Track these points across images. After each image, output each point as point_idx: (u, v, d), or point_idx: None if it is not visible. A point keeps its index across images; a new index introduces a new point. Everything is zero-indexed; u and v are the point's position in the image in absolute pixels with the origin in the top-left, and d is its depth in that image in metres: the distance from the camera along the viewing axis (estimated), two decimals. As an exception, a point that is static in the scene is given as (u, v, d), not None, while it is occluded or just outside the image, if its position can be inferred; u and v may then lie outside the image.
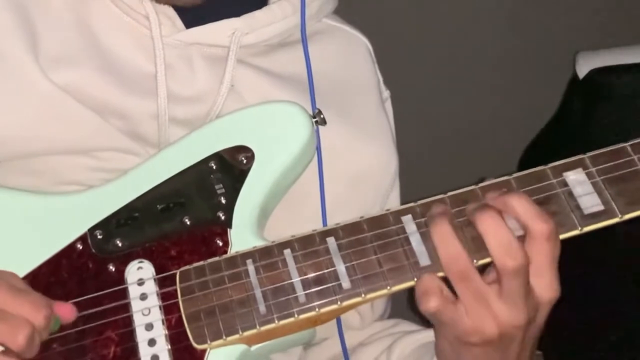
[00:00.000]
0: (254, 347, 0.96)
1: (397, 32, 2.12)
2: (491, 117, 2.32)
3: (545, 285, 0.90)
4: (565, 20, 2.27)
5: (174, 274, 0.97)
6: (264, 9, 1.12)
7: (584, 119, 1.81)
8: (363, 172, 1.17)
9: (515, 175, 0.95)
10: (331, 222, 1.12)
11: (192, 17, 1.10)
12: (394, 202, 1.23)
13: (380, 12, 2.10)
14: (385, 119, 1.22)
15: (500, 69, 2.29)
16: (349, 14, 1.29)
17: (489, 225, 0.88)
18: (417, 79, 2.20)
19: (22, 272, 0.98)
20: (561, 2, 2.27)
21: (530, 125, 2.01)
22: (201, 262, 0.97)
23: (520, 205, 0.88)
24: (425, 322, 1.00)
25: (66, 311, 0.94)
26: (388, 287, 0.92)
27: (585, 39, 2.10)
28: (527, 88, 2.30)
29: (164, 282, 0.97)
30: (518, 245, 0.87)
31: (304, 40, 1.12)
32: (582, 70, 1.79)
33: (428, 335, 1.12)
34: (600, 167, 0.94)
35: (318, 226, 1.09)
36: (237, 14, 1.11)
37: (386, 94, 1.26)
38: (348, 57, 1.21)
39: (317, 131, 1.06)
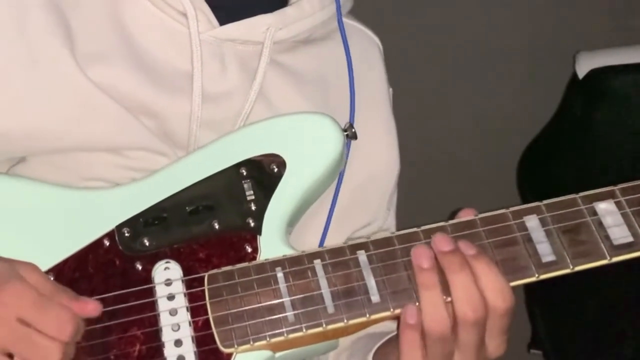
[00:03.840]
0: (278, 354, 0.96)
1: (397, 31, 2.12)
2: (491, 117, 2.33)
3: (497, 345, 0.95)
4: (565, 20, 2.28)
5: (202, 277, 0.97)
6: (294, 5, 1.14)
7: (584, 118, 1.82)
8: (372, 175, 1.19)
9: (545, 202, 0.97)
10: (341, 230, 1.15)
11: (225, 15, 1.11)
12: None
13: (379, 11, 2.10)
14: (393, 120, 1.24)
15: (500, 69, 2.31)
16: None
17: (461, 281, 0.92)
18: (417, 79, 2.21)
19: (48, 264, 0.98)
20: (561, 2, 2.28)
21: (530, 125, 2.03)
22: (230, 267, 0.97)
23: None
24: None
25: (91, 309, 0.93)
26: (417, 304, 0.94)
27: (585, 39, 2.11)
28: (527, 88, 2.32)
29: (191, 283, 0.97)
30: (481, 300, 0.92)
31: (346, 48, 1.15)
32: (582, 70, 1.81)
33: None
34: (630, 199, 0.96)
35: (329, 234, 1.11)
36: (267, 11, 1.12)
37: (390, 91, 1.28)
38: (363, 57, 1.23)
39: (349, 144, 1.08)
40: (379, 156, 1.20)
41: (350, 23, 1.24)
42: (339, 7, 1.15)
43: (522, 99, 2.32)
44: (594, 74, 1.81)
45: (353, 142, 1.13)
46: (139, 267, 0.99)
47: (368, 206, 1.20)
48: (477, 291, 0.91)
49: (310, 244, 1.11)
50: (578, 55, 1.86)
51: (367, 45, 1.25)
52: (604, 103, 1.81)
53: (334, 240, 1.09)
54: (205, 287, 0.96)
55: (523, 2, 2.29)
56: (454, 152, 2.38)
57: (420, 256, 0.93)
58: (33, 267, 0.92)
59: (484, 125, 2.34)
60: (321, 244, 1.14)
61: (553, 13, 2.29)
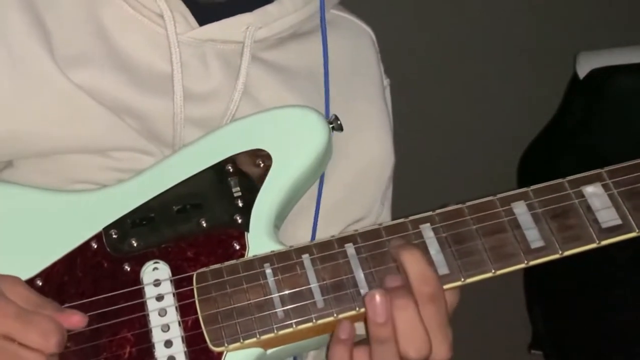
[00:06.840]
0: (269, 351, 0.96)
1: (397, 31, 2.11)
2: (491, 117, 2.33)
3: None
4: (565, 20, 2.28)
5: (191, 276, 0.97)
6: (275, 2, 1.13)
7: (584, 118, 1.82)
8: (365, 169, 1.18)
9: (532, 187, 0.97)
10: (333, 225, 1.14)
11: (204, 15, 1.10)
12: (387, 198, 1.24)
13: (378, 9, 2.08)
14: (386, 112, 1.23)
15: (500, 68, 2.30)
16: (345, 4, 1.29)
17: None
18: (416, 79, 2.20)
19: (36, 269, 0.98)
20: (561, 2, 2.28)
21: (531, 125, 2.02)
22: (218, 265, 0.97)
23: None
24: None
25: (76, 321, 0.93)
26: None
27: (585, 39, 2.11)
28: (527, 88, 2.31)
29: (180, 283, 0.97)
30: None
31: (324, 43, 1.13)
32: (583, 70, 1.80)
33: None
34: (617, 181, 0.95)
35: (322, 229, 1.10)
36: (249, 9, 1.11)
37: (386, 82, 1.27)
38: (354, 48, 1.22)
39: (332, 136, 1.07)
40: (372, 149, 1.18)
41: (341, 15, 1.23)
42: (322, 3, 1.14)
43: (522, 99, 2.31)
44: (594, 74, 1.81)
45: (346, 135, 1.12)
46: (128, 268, 0.98)
47: (361, 200, 1.19)
48: (423, 331, 0.89)
49: (301, 239, 1.11)
50: (579, 56, 1.86)
51: (358, 36, 1.24)
52: (605, 103, 1.81)
53: (327, 234, 1.08)
54: (194, 286, 0.96)
55: (524, 1, 2.28)
56: (453, 153, 2.37)
57: (375, 308, 0.89)
58: (16, 281, 0.93)
59: (484, 125, 2.34)
60: (312, 238, 1.14)
61: (554, 13, 2.28)
